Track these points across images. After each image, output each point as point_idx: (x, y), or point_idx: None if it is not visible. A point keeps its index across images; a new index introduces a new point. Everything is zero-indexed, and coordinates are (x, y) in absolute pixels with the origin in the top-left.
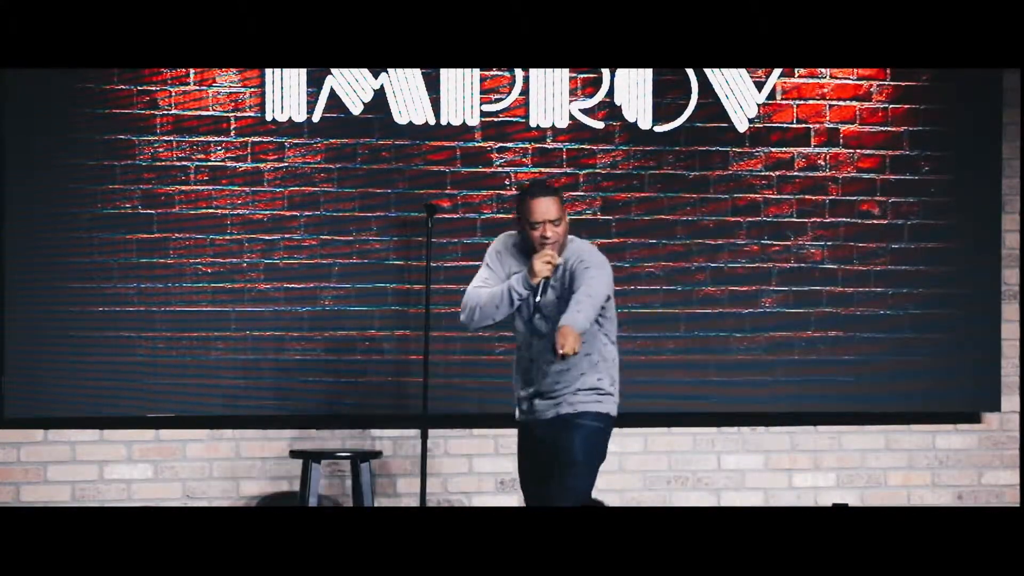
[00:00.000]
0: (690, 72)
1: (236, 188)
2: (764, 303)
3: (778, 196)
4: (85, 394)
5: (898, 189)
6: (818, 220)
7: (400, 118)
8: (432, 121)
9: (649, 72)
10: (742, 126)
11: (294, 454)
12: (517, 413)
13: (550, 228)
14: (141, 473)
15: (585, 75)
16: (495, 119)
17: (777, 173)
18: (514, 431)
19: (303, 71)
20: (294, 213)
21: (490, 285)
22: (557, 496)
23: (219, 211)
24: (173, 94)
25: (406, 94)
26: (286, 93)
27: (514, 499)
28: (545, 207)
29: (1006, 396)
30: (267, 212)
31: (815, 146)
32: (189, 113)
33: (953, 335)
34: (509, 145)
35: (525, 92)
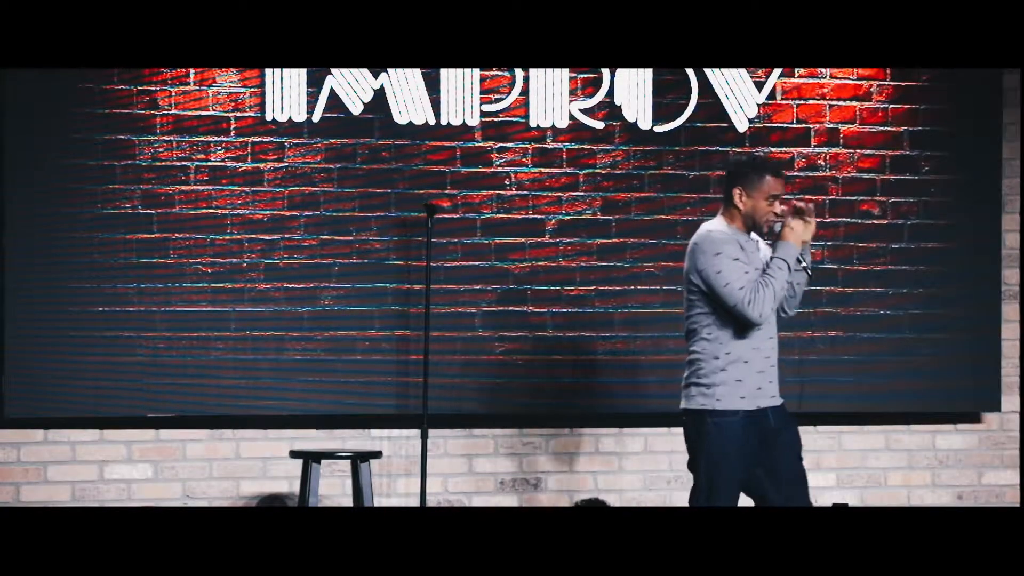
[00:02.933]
0: (690, 72)
1: (236, 188)
2: None
3: None
4: (85, 394)
5: (898, 189)
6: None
7: (400, 118)
8: (432, 121)
9: (649, 72)
10: (742, 126)
11: (294, 454)
12: (742, 401)
13: (778, 204)
14: (141, 473)
15: (585, 75)
16: (495, 119)
17: None
18: (514, 431)
19: (303, 71)
20: (294, 213)
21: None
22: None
23: (219, 211)
24: (173, 94)
25: (406, 94)
26: (286, 93)
27: (514, 499)
28: (782, 185)
29: (1006, 396)
30: (267, 212)
31: (815, 146)
32: (189, 113)
33: (953, 335)
34: (509, 145)
35: (525, 92)
